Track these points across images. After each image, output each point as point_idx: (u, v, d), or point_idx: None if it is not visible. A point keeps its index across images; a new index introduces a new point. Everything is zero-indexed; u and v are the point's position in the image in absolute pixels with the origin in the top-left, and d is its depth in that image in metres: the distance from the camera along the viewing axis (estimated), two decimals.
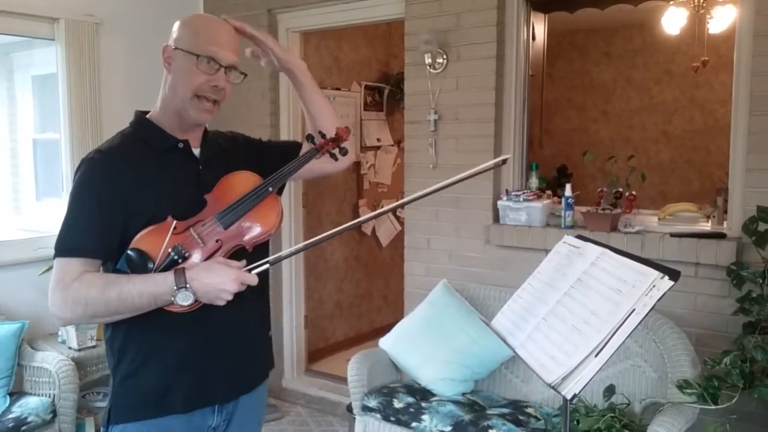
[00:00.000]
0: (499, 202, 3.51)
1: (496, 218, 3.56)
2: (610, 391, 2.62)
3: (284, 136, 4.41)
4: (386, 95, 5.71)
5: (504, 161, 1.76)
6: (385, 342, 3.33)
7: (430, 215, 3.77)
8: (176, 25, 1.63)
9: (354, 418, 3.18)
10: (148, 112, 1.68)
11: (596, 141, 6.99)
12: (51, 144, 4.23)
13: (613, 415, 2.52)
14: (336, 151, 1.72)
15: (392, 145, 5.78)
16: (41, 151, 4.52)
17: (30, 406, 3.15)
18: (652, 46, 6.57)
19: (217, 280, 1.46)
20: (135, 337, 1.57)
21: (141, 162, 1.58)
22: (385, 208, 1.77)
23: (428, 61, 3.62)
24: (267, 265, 1.53)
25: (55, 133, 4.05)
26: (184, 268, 1.47)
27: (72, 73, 3.89)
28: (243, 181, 1.61)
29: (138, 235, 1.50)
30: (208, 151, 1.69)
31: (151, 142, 1.62)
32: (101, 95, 4.02)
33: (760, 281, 2.68)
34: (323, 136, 1.72)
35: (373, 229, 5.67)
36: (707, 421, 2.53)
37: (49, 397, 3.25)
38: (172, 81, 1.60)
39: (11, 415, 3.07)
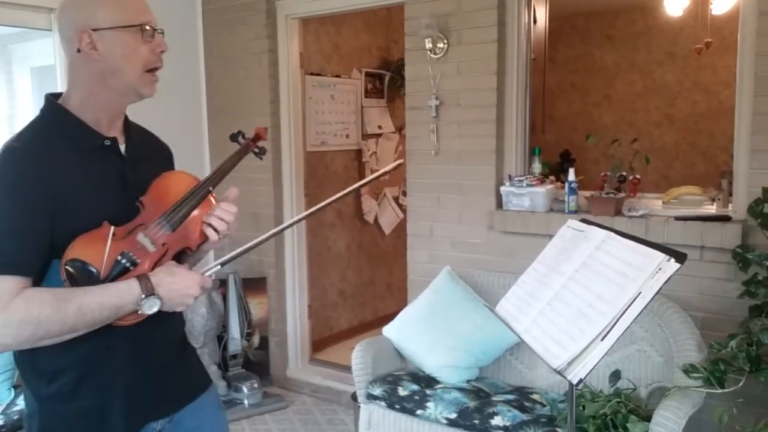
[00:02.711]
0: (502, 188, 3.49)
1: (499, 204, 3.54)
2: (615, 376, 2.61)
3: (284, 124, 4.39)
4: (387, 82, 5.67)
5: (398, 165, 1.70)
6: (389, 330, 3.32)
7: (433, 202, 3.75)
8: (78, 4, 1.42)
9: (359, 407, 3.17)
10: (59, 95, 1.48)
11: (599, 125, 6.95)
12: None
13: (619, 400, 2.51)
14: (257, 149, 1.72)
15: (393, 132, 5.74)
16: None
17: None
18: (654, 28, 6.51)
19: (183, 284, 1.39)
20: (68, 355, 1.39)
21: (62, 160, 1.38)
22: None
23: (429, 46, 3.59)
24: (219, 267, 1.48)
25: None
26: (147, 275, 1.37)
27: None
28: (180, 181, 1.52)
29: (71, 245, 1.34)
30: (134, 149, 1.53)
31: (73, 138, 1.42)
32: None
33: (766, 264, 2.66)
34: (244, 136, 1.71)
35: (376, 217, 5.66)
36: (714, 405, 2.52)
37: None
38: (107, 66, 1.41)
39: (16, 408, 3.08)
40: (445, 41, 3.58)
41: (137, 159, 1.53)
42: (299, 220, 1.59)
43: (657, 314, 2.81)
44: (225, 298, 4.29)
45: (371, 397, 3.07)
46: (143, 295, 1.34)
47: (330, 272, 5.28)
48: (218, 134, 4.53)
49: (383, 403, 3.02)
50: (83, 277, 1.34)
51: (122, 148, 1.51)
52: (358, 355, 3.14)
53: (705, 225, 2.92)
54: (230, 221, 1.51)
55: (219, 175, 1.56)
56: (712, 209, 3.10)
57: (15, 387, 3.25)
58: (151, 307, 1.36)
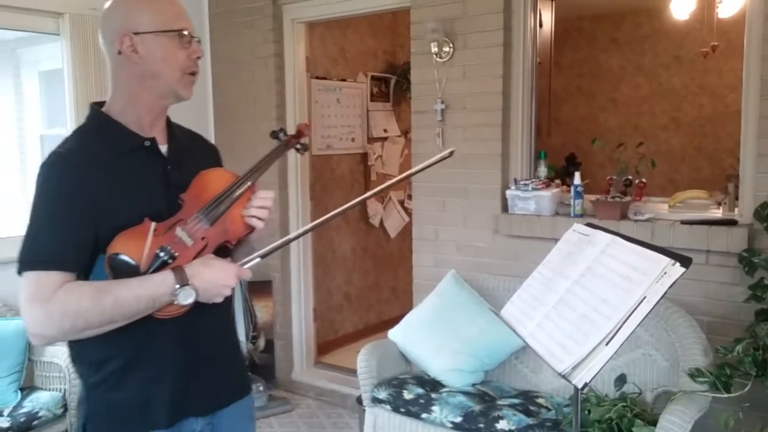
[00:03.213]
0: (508, 192, 3.49)
1: (505, 208, 3.54)
2: (621, 380, 2.61)
3: (290, 128, 4.39)
4: (393, 86, 5.68)
5: (451, 153, 1.72)
6: (395, 333, 3.33)
7: (438, 206, 3.75)
8: (121, 9, 1.50)
9: (364, 410, 3.17)
10: (103, 103, 1.56)
11: (605, 129, 6.94)
12: (58, 140, 4.14)
13: (624, 404, 2.50)
14: (299, 146, 1.78)
15: (399, 136, 5.75)
16: (49, 147, 4.50)
17: (41, 400, 3.16)
18: (660, 31, 6.50)
19: (218, 275, 1.43)
20: (114, 347, 1.46)
21: (104, 162, 1.46)
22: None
23: (434, 50, 3.60)
24: (258, 259, 1.51)
25: (63, 129, 4.05)
26: (181, 266, 1.41)
27: (78, 67, 3.89)
28: (219, 177, 1.57)
29: (114, 240, 1.40)
30: (176, 149, 1.60)
31: (114, 141, 1.50)
32: (107, 90, 3.99)
33: None
34: (285, 133, 1.76)
35: (381, 221, 5.66)
36: (720, 409, 2.51)
37: (60, 391, 3.26)
38: (147, 68, 1.48)
39: (23, 410, 3.09)
40: (451, 45, 3.59)
41: (180, 158, 1.58)
42: (339, 214, 1.65)
43: (663, 318, 2.81)
44: (230, 301, 4.29)
45: (376, 401, 3.07)
46: (177, 286, 1.38)
47: (335, 275, 5.29)
48: (224, 137, 4.54)
49: (388, 407, 3.02)
50: (124, 270, 1.40)
51: (164, 148, 1.58)
52: (364, 358, 3.14)
53: (711, 229, 2.91)
54: (270, 207, 1.58)
55: (257, 171, 1.60)
56: (718, 213, 3.09)
57: (22, 389, 3.27)
58: (186, 298, 1.39)
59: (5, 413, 3.07)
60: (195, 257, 1.46)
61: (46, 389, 3.31)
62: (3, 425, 2.96)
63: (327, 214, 1.67)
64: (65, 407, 3.21)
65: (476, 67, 3.55)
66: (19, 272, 1.38)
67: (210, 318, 1.54)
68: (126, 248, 1.41)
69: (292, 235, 1.61)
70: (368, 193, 1.75)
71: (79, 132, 1.53)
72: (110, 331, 1.40)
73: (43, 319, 1.34)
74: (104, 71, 3.98)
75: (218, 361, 1.62)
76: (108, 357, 1.47)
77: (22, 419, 3.03)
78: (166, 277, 1.39)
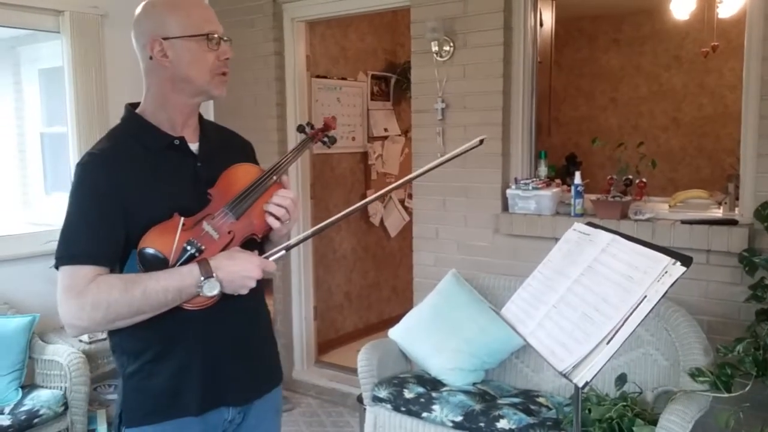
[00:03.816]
0: (508, 191, 3.49)
1: (505, 207, 3.54)
2: (621, 379, 2.61)
3: (291, 126, 4.40)
4: (393, 85, 5.68)
5: (481, 141, 1.75)
6: (395, 332, 3.33)
7: (438, 205, 3.75)
8: (151, 15, 1.55)
9: (364, 409, 3.17)
10: (137, 105, 1.62)
11: (605, 129, 6.94)
12: (58, 138, 4.24)
13: (625, 403, 2.50)
14: (326, 139, 1.80)
15: (399, 135, 5.75)
16: (49, 144, 4.52)
17: (42, 398, 3.16)
18: (660, 32, 6.51)
19: (242, 267, 1.47)
20: (147, 338, 1.53)
21: (137, 161, 1.53)
22: (387, 188, 1.76)
23: (435, 49, 3.60)
24: (283, 252, 1.55)
25: (63, 127, 4.05)
26: (206, 259, 1.46)
27: (78, 65, 3.89)
28: (246, 172, 1.61)
29: (145, 235, 1.47)
30: (207, 146, 1.65)
31: (146, 141, 1.57)
32: (107, 88, 4.02)
33: None
34: (312, 126, 1.79)
35: (381, 220, 5.66)
36: (720, 409, 2.51)
37: (61, 389, 3.26)
38: (177, 72, 1.53)
39: (23, 408, 3.09)
40: (451, 44, 3.59)
41: (210, 155, 1.63)
42: (353, 211, 1.67)
43: (663, 318, 2.81)
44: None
45: (377, 400, 3.07)
46: (202, 278, 1.43)
47: (335, 274, 5.29)
48: None
49: (389, 406, 3.02)
50: (154, 264, 1.46)
51: (195, 146, 1.63)
52: (364, 357, 3.15)
53: (711, 229, 2.92)
54: (287, 206, 1.59)
55: (283, 165, 1.64)
56: (718, 213, 3.10)
57: (23, 387, 3.27)
58: (211, 290, 1.44)
59: (6, 411, 3.07)
60: (222, 250, 1.51)
61: (47, 387, 3.31)
62: (4, 423, 2.96)
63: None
64: (66, 405, 3.22)
65: (477, 66, 3.55)
66: (56, 267, 1.46)
67: (239, 309, 1.59)
68: (156, 243, 1.47)
69: (317, 227, 1.63)
70: (392, 186, 1.80)
71: (112, 133, 1.60)
72: (143, 323, 1.47)
73: (76, 310, 1.41)
74: (104, 69, 4.01)
75: (250, 352, 1.66)
76: (142, 348, 1.54)
77: (22, 417, 3.03)
78: (192, 270, 1.44)
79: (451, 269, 3.50)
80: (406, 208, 5.74)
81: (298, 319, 4.57)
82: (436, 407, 2.87)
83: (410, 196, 5.00)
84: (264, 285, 1.69)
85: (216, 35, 1.55)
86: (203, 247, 1.49)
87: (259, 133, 4.33)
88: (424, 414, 2.89)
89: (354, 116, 5.37)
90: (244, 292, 1.49)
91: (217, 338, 1.58)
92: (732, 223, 2.93)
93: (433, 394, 2.96)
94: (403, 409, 2.97)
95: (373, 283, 5.70)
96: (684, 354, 2.68)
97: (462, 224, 3.69)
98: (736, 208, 3.04)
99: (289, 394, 4.42)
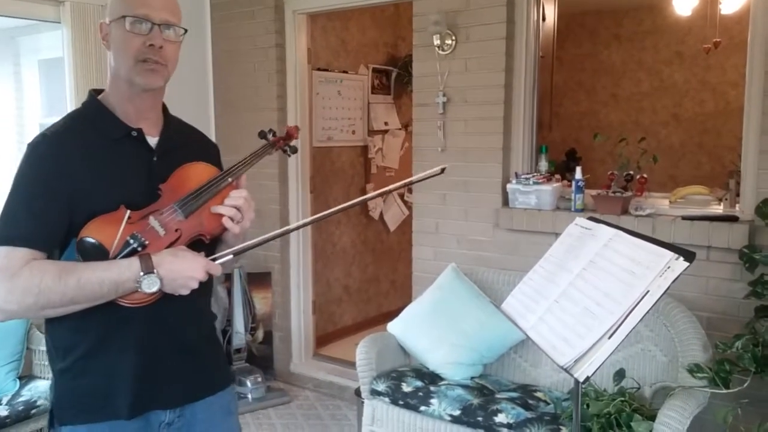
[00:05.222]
0: (509, 186, 3.48)
1: (506, 202, 3.53)
2: (620, 375, 2.61)
3: (291, 120, 4.39)
4: (394, 78, 5.67)
5: (443, 170, 1.71)
6: (394, 326, 3.32)
7: (439, 199, 3.74)
8: (109, 2, 1.53)
9: (362, 402, 3.17)
10: (102, 91, 1.57)
11: (606, 124, 6.93)
12: None
13: (623, 399, 2.50)
14: (287, 148, 1.78)
15: (400, 129, 5.74)
16: None
17: (39, 389, 3.16)
18: (662, 27, 6.49)
19: (186, 266, 1.41)
20: (80, 332, 1.47)
21: (90, 148, 1.48)
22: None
23: (437, 42, 3.58)
24: (230, 256, 1.50)
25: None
26: (149, 254, 1.41)
27: (78, 56, 3.87)
28: (200, 171, 1.56)
29: (88, 224, 1.41)
30: (167, 142, 1.58)
31: (103, 129, 1.51)
32: (107, 78, 3.99)
33: None
34: (274, 134, 1.75)
35: (381, 214, 5.66)
36: (718, 405, 2.51)
37: None
38: (114, 56, 1.50)
39: (21, 399, 3.09)
40: (453, 38, 3.57)
41: (169, 151, 1.58)
42: (333, 212, 1.65)
43: (662, 314, 2.81)
44: (230, 292, 4.30)
45: (375, 393, 3.07)
46: (142, 273, 1.38)
47: (335, 268, 5.29)
48: (225, 128, 4.53)
49: (387, 399, 3.02)
50: (93, 254, 1.40)
51: (155, 140, 1.57)
52: (363, 350, 3.14)
53: (712, 225, 2.91)
54: (240, 205, 1.53)
55: (240, 168, 1.59)
56: (719, 209, 3.09)
57: (20, 378, 3.26)
58: (150, 286, 1.39)
59: (4, 402, 3.07)
60: (166, 248, 1.45)
61: (44, 378, 3.31)
62: (2, 414, 2.96)
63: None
64: None
65: (478, 60, 3.53)
66: None
67: (181, 310, 1.52)
68: (98, 233, 1.41)
69: (266, 236, 1.57)
70: (372, 194, 1.76)
71: (70, 116, 1.56)
72: (77, 316, 1.41)
73: (5, 293, 1.36)
74: (104, 60, 3.99)
75: (189, 354, 1.59)
76: (74, 343, 1.48)
77: (20, 408, 3.02)
78: (132, 264, 1.39)
79: (451, 263, 3.49)
80: (405, 203, 5.73)
81: (296, 313, 4.57)
82: (434, 401, 2.87)
83: (410, 190, 4.99)
84: (210, 287, 1.64)
85: (143, 18, 1.45)
86: (147, 242, 1.43)
87: (259, 126, 4.27)
88: (422, 408, 2.89)
89: (354, 109, 5.35)
90: (185, 292, 1.43)
91: (153, 338, 1.51)
92: (732, 219, 2.93)
93: (432, 388, 2.95)
94: (401, 402, 2.97)
95: (372, 277, 5.70)
96: (683, 350, 2.68)
97: (462, 218, 3.68)
98: (737, 205, 3.03)
99: (287, 386, 4.42)
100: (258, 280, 4.43)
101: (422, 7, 3.69)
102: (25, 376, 3.32)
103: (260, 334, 4.41)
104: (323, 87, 5.01)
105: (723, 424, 2.39)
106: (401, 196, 5.76)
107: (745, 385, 2.44)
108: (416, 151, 3.83)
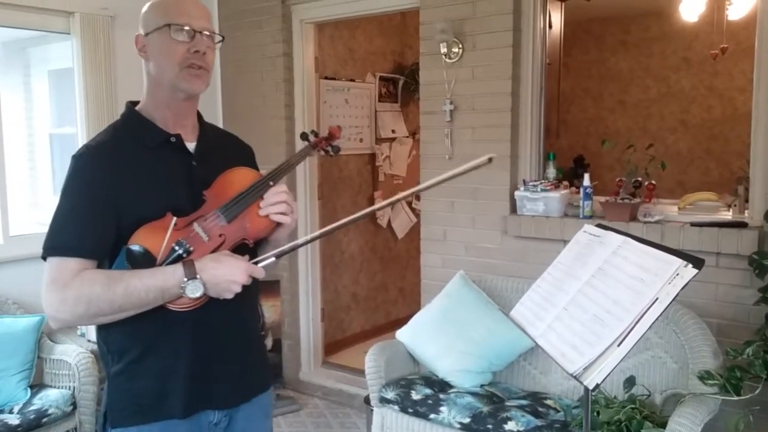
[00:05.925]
0: (516, 193, 3.48)
1: (513, 209, 3.53)
2: (630, 382, 2.60)
3: (299, 128, 4.41)
4: (401, 86, 5.69)
5: (490, 159, 1.73)
6: (403, 334, 3.32)
7: (446, 206, 3.75)
8: (142, 13, 1.58)
9: (372, 410, 3.17)
10: (138, 102, 1.63)
11: (613, 131, 6.92)
12: (68, 139, 4.25)
13: (633, 406, 2.49)
14: (329, 148, 1.79)
15: (407, 137, 5.75)
16: (58, 145, 4.54)
17: (50, 398, 3.17)
18: (669, 34, 6.48)
19: (228, 271, 1.45)
20: (133, 337, 1.52)
21: (132, 157, 1.53)
22: (397, 196, 1.73)
23: (443, 50, 3.60)
24: (273, 259, 1.53)
25: (72, 128, 4.07)
26: (192, 260, 1.45)
27: (88, 66, 3.90)
28: (242, 176, 1.60)
29: (136, 232, 1.46)
30: (204, 146, 1.64)
31: (142, 137, 1.56)
32: (117, 89, 4.03)
33: None
34: (316, 135, 1.78)
35: (389, 221, 5.66)
36: (729, 412, 2.50)
37: (69, 389, 3.27)
38: (155, 66, 1.55)
39: (32, 408, 3.10)
40: (460, 46, 3.58)
41: (207, 156, 1.62)
42: (359, 218, 1.65)
43: (672, 321, 2.80)
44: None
45: (384, 401, 3.07)
46: (186, 279, 1.42)
47: (343, 276, 5.29)
48: None
49: (396, 407, 3.02)
50: (141, 261, 1.45)
51: (193, 145, 1.62)
52: (372, 358, 3.14)
53: (721, 231, 2.90)
54: (285, 200, 1.57)
55: (281, 171, 1.63)
56: (728, 215, 3.08)
57: (31, 387, 3.28)
58: (194, 291, 1.43)
59: (15, 410, 3.08)
60: (211, 253, 1.49)
61: (55, 387, 3.32)
62: (13, 422, 2.97)
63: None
64: (74, 405, 3.22)
65: (485, 68, 3.54)
66: (43, 257, 1.47)
67: (228, 313, 1.56)
68: (145, 241, 1.46)
69: (308, 237, 1.63)
70: (400, 195, 1.77)
71: (112, 127, 1.61)
72: (129, 321, 1.46)
73: (58, 303, 1.42)
74: (114, 70, 4.02)
75: (237, 356, 1.64)
76: (128, 346, 1.53)
77: (31, 416, 3.03)
78: (176, 270, 1.43)
79: (459, 271, 3.50)
80: (413, 210, 5.74)
81: (305, 320, 4.58)
82: (443, 409, 2.87)
83: (418, 197, 5.00)
84: (256, 290, 1.67)
85: (186, 26, 1.51)
86: (192, 249, 1.48)
87: (266, 134, 4.34)
88: (432, 415, 2.89)
89: (362, 118, 5.37)
90: (229, 296, 1.47)
91: (203, 341, 1.56)
92: (742, 225, 2.92)
93: (441, 396, 2.95)
94: (410, 410, 2.97)
95: (381, 284, 5.70)
96: (693, 357, 2.67)
97: (470, 226, 3.68)
98: (746, 211, 3.02)
99: (296, 394, 4.42)
100: (267, 288, 4.43)
101: (429, 15, 3.70)
102: (36, 385, 3.34)
103: (269, 343, 4.41)
104: (331, 95, 5.03)
105: (734, 431, 2.37)
106: (409, 203, 5.77)
107: (757, 392, 2.43)
108: (424, 159, 3.83)
